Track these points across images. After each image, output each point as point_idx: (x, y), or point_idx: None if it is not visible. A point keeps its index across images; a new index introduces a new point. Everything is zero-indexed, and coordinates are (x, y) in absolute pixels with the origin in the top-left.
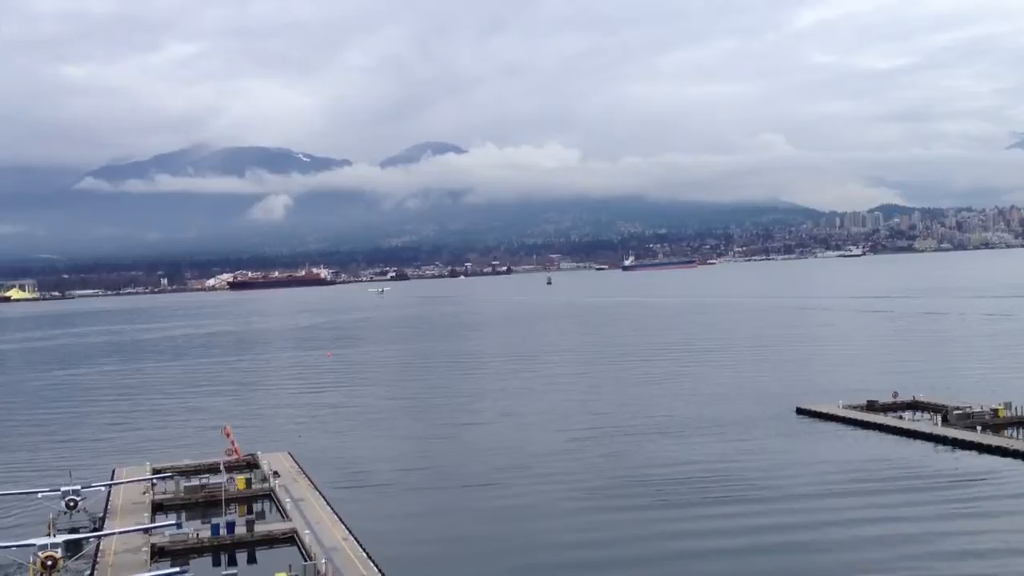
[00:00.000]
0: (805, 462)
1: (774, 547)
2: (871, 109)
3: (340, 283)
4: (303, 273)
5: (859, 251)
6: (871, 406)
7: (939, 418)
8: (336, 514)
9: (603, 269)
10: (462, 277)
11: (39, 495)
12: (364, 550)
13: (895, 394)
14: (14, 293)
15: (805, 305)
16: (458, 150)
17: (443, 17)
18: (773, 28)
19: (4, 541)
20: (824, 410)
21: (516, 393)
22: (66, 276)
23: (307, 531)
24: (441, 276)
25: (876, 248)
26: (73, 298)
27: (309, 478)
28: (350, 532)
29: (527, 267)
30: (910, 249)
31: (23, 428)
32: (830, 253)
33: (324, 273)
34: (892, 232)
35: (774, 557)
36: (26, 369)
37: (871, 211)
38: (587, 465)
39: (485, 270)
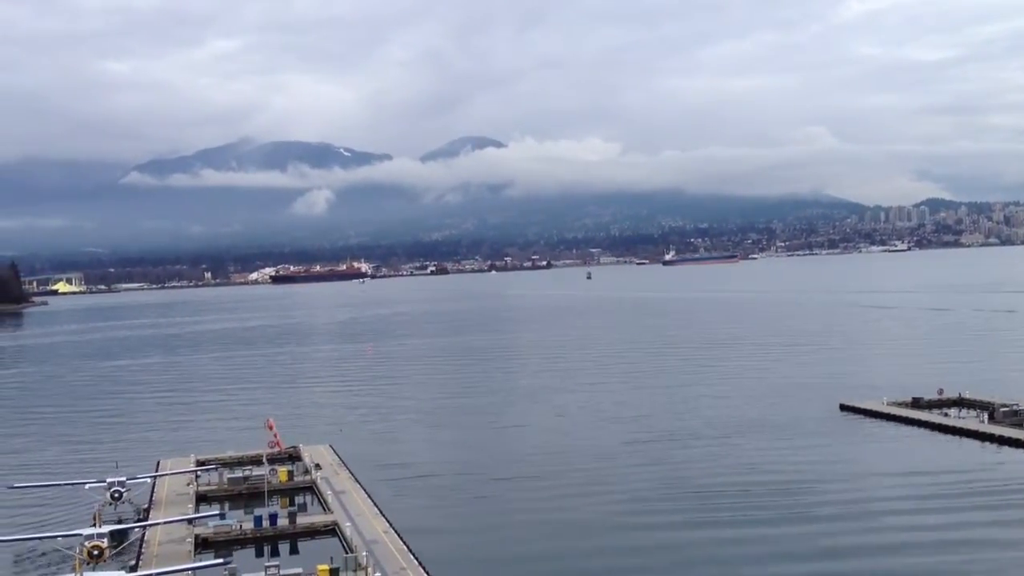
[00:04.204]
0: (856, 467)
1: (836, 568)
2: (918, 102)
3: (380, 277)
4: (344, 267)
5: (904, 246)
6: (916, 403)
7: (985, 415)
8: (377, 507)
9: (644, 264)
10: (493, 272)
11: (86, 486)
12: (405, 543)
13: (940, 391)
14: (61, 286)
15: (849, 301)
16: (498, 144)
17: (482, 11)
18: (817, 19)
19: (51, 531)
20: (868, 407)
21: (558, 391)
22: (112, 269)
23: (348, 523)
24: (481, 270)
25: (922, 243)
26: (119, 291)
27: (350, 471)
28: (391, 525)
29: (567, 261)
30: (956, 244)
31: (70, 420)
32: (875, 248)
33: (365, 267)
34: (938, 227)
35: None
36: (73, 361)
37: (917, 205)
38: (632, 468)
39: (525, 264)
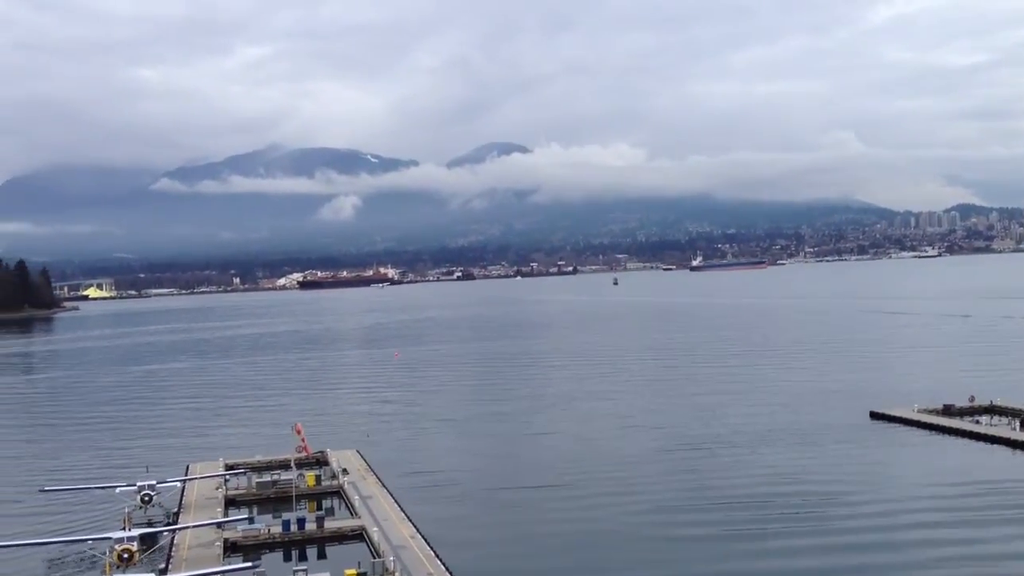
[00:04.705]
0: (888, 476)
1: None
2: (948, 106)
3: (407, 283)
4: (371, 273)
5: (935, 252)
6: (947, 410)
7: (1017, 423)
8: (404, 512)
9: (670, 269)
10: (519, 278)
11: (116, 490)
12: (432, 549)
13: (971, 398)
14: (92, 292)
15: (878, 307)
16: (524, 150)
17: (509, 17)
18: (847, 24)
19: (82, 534)
20: (899, 414)
21: (584, 397)
22: (142, 275)
23: (375, 528)
24: (507, 276)
25: (952, 249)
26: (148, 297)
27: (377, 476)
28: (418, 531)
29: (594, 267)
30: (987, 250)
31: (101, 424)
32: (905, 254)
33: (391, 273)
34: (969, 232)
35: None
36: (103, 366)
37: (947, 211)
38: (660, 477)
39: (551, 270)
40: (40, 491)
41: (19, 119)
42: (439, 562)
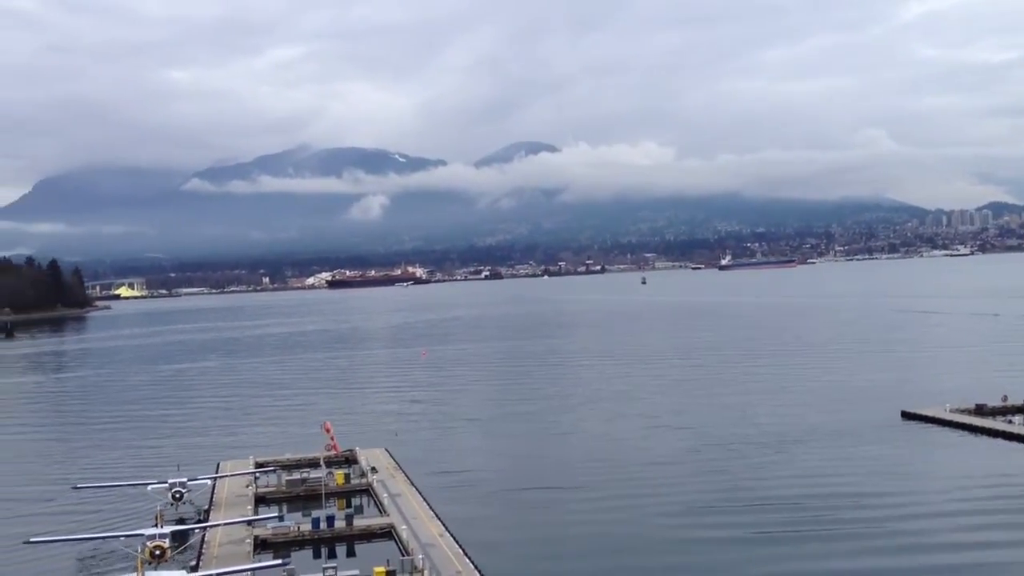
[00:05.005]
0: (920, 477)
1: None
2: (980, 103)
3: (435, 282)
4: (399, 272)
5: (967, 250)
6: (980, 410)
7: None
8: (432, 510)
9: (699, 268)
10: (546, 277)
11: (148, 487)
12: (461, 547)
13: (1005, 397)
14: (123, 291)
15: (909, 306)
16: (552, 149)
17: (538, 16)
18: (877, 21)
19: (114, 531)
20: (931, 414)
21: (612, 397)
22: (172, 274)
23: (404, 526)
24: (534, 275)
25: (985, 247)
26: (179, 296)
27: (406, 474)
28: (446, 528)
29: (622, 266)
30: (1020, 248)
31: (132, 422)
32: (936, 252)
33: (420, 272)
34: (1001, 231)
35: None
36: (135, 365)
37: (979, 209)
38: (689, 478)
39: (579, 269)
40: (73, 488)
41: (52, 120)
42: (468, 560)
